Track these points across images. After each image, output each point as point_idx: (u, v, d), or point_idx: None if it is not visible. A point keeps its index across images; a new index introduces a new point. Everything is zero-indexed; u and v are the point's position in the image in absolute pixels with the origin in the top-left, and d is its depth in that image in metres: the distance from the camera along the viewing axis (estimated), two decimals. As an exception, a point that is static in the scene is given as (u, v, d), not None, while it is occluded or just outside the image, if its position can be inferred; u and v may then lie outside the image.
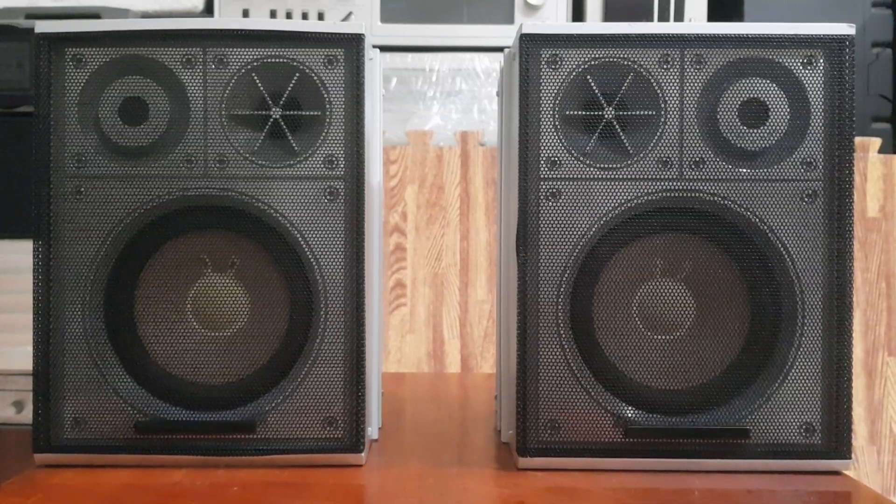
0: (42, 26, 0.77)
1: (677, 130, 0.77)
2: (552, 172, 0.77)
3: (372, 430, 0.85)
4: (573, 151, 0.77)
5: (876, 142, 1.63)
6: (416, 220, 1.65)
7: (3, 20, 1.61)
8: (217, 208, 0.78)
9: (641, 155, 0.77)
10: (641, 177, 0.77)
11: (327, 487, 0.73)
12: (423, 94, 1.70)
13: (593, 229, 0.77)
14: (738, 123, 0.77)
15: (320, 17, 1.67)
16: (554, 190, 0.77)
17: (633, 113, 0.77)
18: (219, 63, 0.77)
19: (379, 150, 0.91)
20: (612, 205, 0.77)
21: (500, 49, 1.68)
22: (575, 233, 0.77)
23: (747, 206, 0.76)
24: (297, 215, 0.77)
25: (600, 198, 0.77)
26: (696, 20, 1.68)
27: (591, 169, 0.77)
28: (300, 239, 0.77)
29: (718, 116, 0.76)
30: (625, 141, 0.77)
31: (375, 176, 0.88)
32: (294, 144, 0.77)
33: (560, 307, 0.77)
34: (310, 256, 0.77)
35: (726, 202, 0.76)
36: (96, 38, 0.77)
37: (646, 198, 0.77)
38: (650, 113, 0.77)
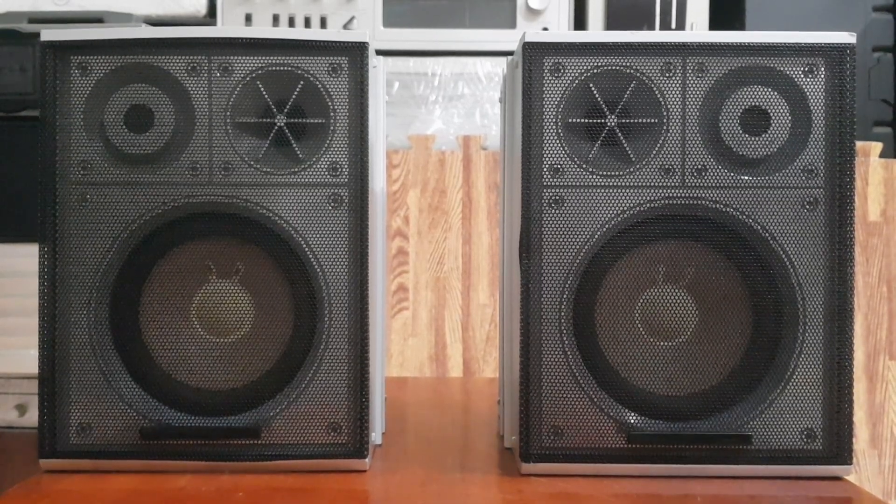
0: (48, 34, 0.78)
1: (679, 138, 0.77)
2: (555, 180, 0.77)
3: (375, 436, 0.85)
4: (576, 159, 0.77)
5: (877, 146, 1.64)
6: (419, 224, 1.66)
7: (5, 24, 1.62)
8: (222, 215, 0.78)
9: (644, 162, 0.77)
10: (644, 184, 0.77)
11: (331, 493, 0.74)
12: (426, 99, 1.71)
13: (596, 236, 0.77)
14: (740, 131, 0.77)
15: (323, 22, 1.68)
16: (557, 197, 0.77)
17: (636, 121, 0.77)
18: (223, 71, 0.77)
19: (382, 156, 0.91)
20: (615, 212, 0.77)
21: (502, 53, 1.69)
22: (578, 240, 0.77)
23: (749, 214, 0.77)
24: (301, 222, 0.78)
25: (603, 205, 0.77)
26: (697, 27, 1.69)
27: (594, 176, 0.77)
28: (304, 245, 0.78)
29: (720, 124, 0.77)
30: (627, 148, 0.77)
31: (379, 182, 0.88)
32: (298, 152, 0.78)
33: (563, 313, 0.77)
34: (314, 263, 0.78)
35: (728, 209, 0.77)
36: (102, 46, 0.78)
37: (648, 205, 0.77)
38: (652, 121, 0.77)
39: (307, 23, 1.68)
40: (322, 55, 0.77)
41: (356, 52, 0.78)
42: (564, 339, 0.77)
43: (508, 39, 1.66)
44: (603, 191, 0.77)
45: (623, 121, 0.77)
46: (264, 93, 0.78)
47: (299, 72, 0.78)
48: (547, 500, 0.72)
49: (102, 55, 0.78)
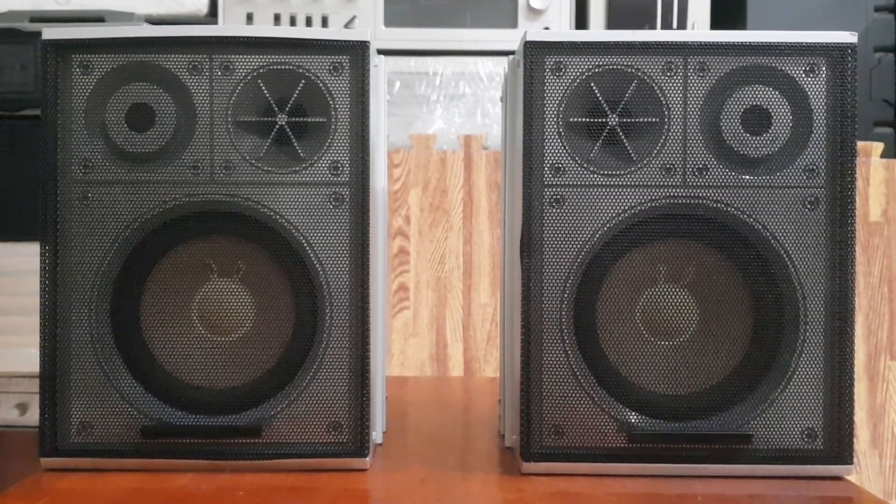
0: (49, 33, 0.78)
1: (680, 137, 0.77)
2: (556, 179, 0.77)
3: (376, 435, 0.85)
4: (577, 158, 0.77)
5: (878, 146, 1.64)
6: (420, 224, 1.66)
7: (7, 23, 1.62)
8: (223, 214, 0.78)
9: (645, 162, 0.77)
10: (645, 183, 0.77)
11: (332, 491, 0.74)
12: (427, 98, 1.71)
13: (597, 235, 0.77)
14: (741, 131, 0.77)
15: (324, 21, 1.68)
16: (558, 196, 0.77)
17: (637, 120, 0.77)
18: (225, 70, 0.77)
19: (384, 155, 0.91)
20: (616, 211, 0.77)
21: (503, 53, 1.69)
22: (578, 239, 0.77)
23: (750, 213, 0.77)
24: (302, 221, 0.78)
25: (604, 204, 0.77)
26: (699, 26, 1.69)
27: (595, 175, 0.77)
28: (305, 244, 0.78)
29: (721, 124, 0.77)
30: (628, 148, 0.77)
31: (380, 181, 0.88)
32: (300, 151, 0.78)
33: (564, 312, 0.77)
34: (315, 262, 0.78)
35: (729, 209, 0.77)
36: (103, 45, 0.78)
37: (649, 204, 0.77)
38: (654, 120, 0.77)
39: (308, 22, 1.68)
40: (323, 54, 0.77)
41: (357, 51, 0.78)
42: (565, 338, 0.77)
43: (510, 39, 1.66)
44: (604, 190, 0.77)
45: (624, 120, 0.77)
46: (265, 92, 0.78)
47: (300, 71, 0.78)
48: (547, 500, 0.72)
49: (104, 54, 0.78)
